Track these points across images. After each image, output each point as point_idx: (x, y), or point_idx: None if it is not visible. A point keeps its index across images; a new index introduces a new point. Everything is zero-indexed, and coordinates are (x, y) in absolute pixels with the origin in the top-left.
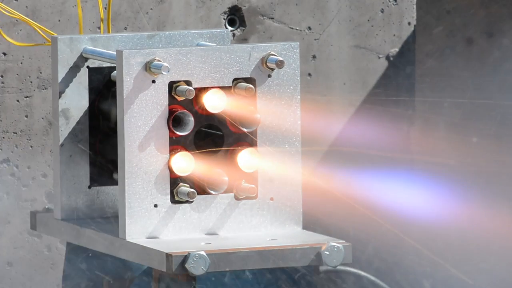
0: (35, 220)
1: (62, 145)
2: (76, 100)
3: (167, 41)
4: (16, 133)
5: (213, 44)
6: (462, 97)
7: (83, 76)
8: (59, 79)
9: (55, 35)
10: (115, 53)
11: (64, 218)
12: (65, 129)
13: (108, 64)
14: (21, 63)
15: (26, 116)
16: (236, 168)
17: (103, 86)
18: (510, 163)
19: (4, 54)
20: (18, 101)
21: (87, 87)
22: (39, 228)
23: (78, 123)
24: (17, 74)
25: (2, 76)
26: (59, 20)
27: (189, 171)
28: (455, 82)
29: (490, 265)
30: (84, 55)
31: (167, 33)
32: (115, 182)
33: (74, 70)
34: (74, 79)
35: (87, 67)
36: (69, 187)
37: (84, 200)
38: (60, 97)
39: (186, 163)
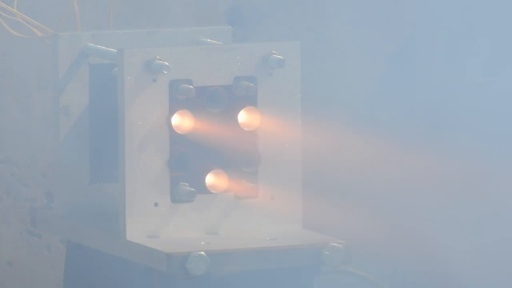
0: (35, 217)
1: (62, 142)
2: (77, 97)
3: (168, 38)
4: (16, 133)
5: (214, 41)
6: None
7: (83, 72)
8: (60, 76)
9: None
10: (115, 50)
11: (65, 215)
12: (65, 125)
13: (109, 61)
14: (21, 63)
15: (26, 116)
16: (236, 167)
17: (104, 83)
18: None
19: (4, 54)
20: (18, 101)
21: (88, 83)
22: (39, 224)
23: (79, 120)
24: (17, 74)
25: (2, 76)
26: (59, 20)
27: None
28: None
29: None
30: (85, 52)
31: (167, 30)
32: (116, 179)
33: (74, 67)
34: (74, 76)
35: (88, 63)
36: (70, 184)
37: (85, 197)
38: (60, 94)
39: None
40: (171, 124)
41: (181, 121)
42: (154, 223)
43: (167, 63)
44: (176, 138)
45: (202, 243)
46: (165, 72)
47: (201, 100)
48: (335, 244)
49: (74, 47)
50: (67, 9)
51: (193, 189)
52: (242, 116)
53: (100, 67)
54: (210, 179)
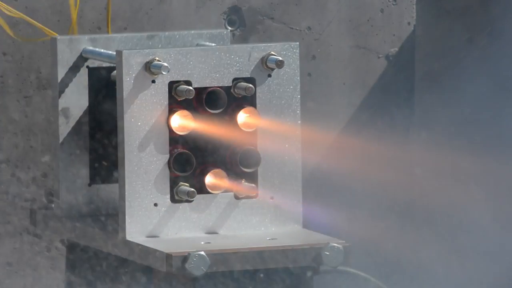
0: (35, 217)
1: (62, 143)
2: (76, 100)
3: (167, 42)
4: (16, 133)
5: (213, 44)
6: (462, 97)
7: (82, 76)
8: (59, 79)
9: (55, 34)
10: (114, 53)
11: (64, 215)
12: (65, 127)
13: (107, 64)
14: (21, 63)
15: (26, 116)
16: (236, 167)
17: (103, 86)
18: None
19: (4, 54)
20: (18, 101)
21: (87, 86)
22: (39, 225)
23: (78, 122)
24: (17, 74)
25: (2, 76)
26: (59, 20)
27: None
28: (454, 82)
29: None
30: (83, 55)
31: (166, 33)
32: (115, 180)
33: (73, 70)
34: (73, 79)
35: (87, 67)
36: (69, 185)
37: (84, 198)
38: (60, 96)
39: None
40: (170, 125)
41: (180, 122)
42: (153, 223)
43: (166, 64)
44: (175, 139)
45: (202, 243)
46: (164, 72)
47: (200, 101)
48: (335, 245)
49: (72, 50)
50: (67, 10)
51: (192, 189)
52: (241, 117)
53: (99, 70)
54: (209, 179)
